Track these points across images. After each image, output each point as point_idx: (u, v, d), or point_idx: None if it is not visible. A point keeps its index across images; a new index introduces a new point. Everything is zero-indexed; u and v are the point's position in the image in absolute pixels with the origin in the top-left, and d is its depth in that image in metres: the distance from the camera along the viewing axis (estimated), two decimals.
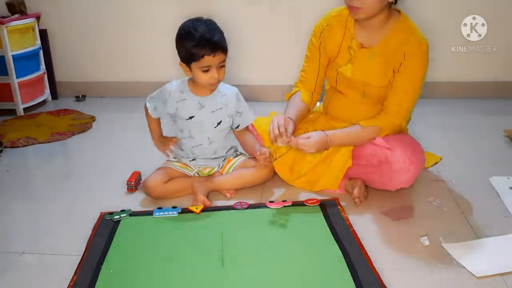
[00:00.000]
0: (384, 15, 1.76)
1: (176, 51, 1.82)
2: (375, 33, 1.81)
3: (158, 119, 1.99)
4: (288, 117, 1.84)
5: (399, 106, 1.80)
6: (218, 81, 1.81)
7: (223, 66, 1.78)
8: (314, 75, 1.98)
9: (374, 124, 1.81)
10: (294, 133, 1.82)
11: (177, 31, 1.79)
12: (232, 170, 1.95)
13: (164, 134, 2.04)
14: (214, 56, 1.72)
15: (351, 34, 1.85)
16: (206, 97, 1.87)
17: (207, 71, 1.75)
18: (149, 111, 1.95)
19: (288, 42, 3.11)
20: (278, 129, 1.74)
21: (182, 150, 1.98)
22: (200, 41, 1.70)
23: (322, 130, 1.96)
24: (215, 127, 1.90)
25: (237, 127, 1.97)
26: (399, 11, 1.81)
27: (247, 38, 3.23)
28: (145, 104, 1.96)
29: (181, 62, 1.80)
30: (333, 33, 1.89)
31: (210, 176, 1.95)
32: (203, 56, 1.71)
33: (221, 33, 1.77)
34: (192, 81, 1.87)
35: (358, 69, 1.84)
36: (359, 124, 1.83)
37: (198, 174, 1.97)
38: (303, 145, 1.75)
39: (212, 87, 1.85)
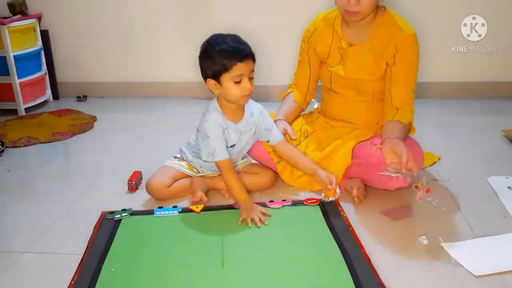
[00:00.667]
0: (373, 14, 1.81)
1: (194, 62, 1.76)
2: (363, 31, 1.84)
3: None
4: (280, 120, 2.00)
5: (406, 96, 1.83)
6: (251, 92, 1.73)
7: (252, 78, 1.72)
8: (306, 78, 2.05)
9: (407, 120, 1.82)
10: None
11: (201, 48, 1.73)
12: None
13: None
14: (245, 64, 1.67)
15: (339, 35, 1.88)
16: (240, 123, 1.82)
17: (239, 82, 1.68)
18: (225, 159, 1.76)
19: (287, 42, 3.11)
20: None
21: (197, 157, 1.93)
22: (231, 50, 1.66)
23: (323, 130, 1.98)
24: (245, 144, 1.89)
25: (268, 141, 1.92)
26: (383, 7, 1.83)
27: (247, 38, 3.24)
28: (215, 160, 1.76)
29: (209, 79, 1.71)
30: (322, 37, 1.94)
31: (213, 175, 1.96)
32: (235, 64, 1.65)
33: (247, 43, 1.74)
34: (222, 106, 1.78)
35: (350, 67, 1.87)
36: (398, 121, 1.80)
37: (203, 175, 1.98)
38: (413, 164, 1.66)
39: (244, 101, 1.76)
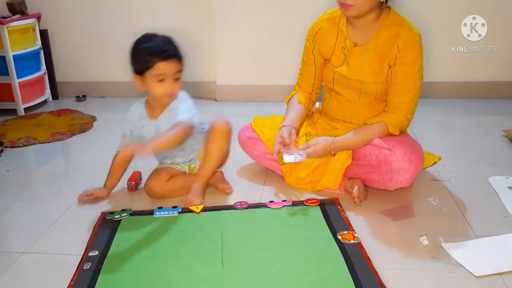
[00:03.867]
0: (375, 14, 1.79)
1: None
2: (368, 31, 1.82)
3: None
4: (289, 125, 1.91)
5: (399, 98, 1.80)
6: (173, 95, 1.77)
7: (179, 78, 1.76)
8: (311, 77, 2.02)
9: (379, 120, 1.82)
10: (297, 134, 1.92)
11: (132, 44, 1.78)
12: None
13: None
14: (168, 64, 1.71)
15: (344, 34, 1.87)
16: (160, 118, 1.82)
17: (161, 80, 1.72)
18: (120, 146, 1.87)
19: (287, 42, 3.12)
20: (283, 142, 1.83)
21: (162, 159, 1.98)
22: (154, 48, 1.71)
23: (324, 131, 1.98)
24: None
25: None
26: (389, 7, 1.82)
27: (247, 37, 3.24)
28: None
29: (135, 75, 1.77)
30: (326, 36, 1.91)
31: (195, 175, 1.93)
32: (156, 63, 1.70)
33: (177, 45, 1.77)
34: (149, 102, 1.85)
35: (353, 67, 1.85)
36: (365, 123, 1.85)
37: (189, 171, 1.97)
38: (309, 154, 1.80)
39: (168, 100, 1.79)
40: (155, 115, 1.83)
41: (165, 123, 1.79)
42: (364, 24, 1.81)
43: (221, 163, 1.95)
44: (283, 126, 1.92)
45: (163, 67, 1.71)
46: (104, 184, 1.91)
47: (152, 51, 1.71)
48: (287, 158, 1.77)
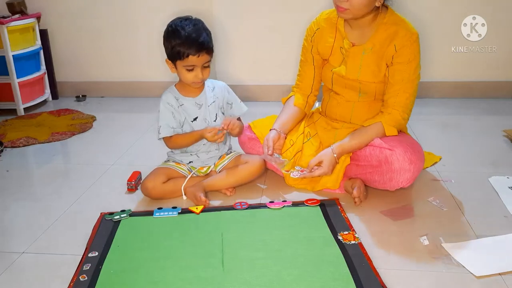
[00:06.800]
0: (372, 15, 1.79)
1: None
2: (365, 30, 1.82)
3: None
4: (278, 130, 1.92)
5: (396, 98, 1.81)
6: (202, 80, 1.85)
7: (208, 66, 1.82)
8: (310, 78, 2.01)
9: (376, 121, 1.82)
10: (289, 134, 1.97)
11: (165, 28, 1.82)
12: (222, 166, 1.97)
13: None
14: (198, 57, 1.76)
15: (342, 34, 1.87)
16: (199, 96, 1.91)
17: (191, 70, 1.79)
18: (168, 135, 1.88)
19: (286, 42, 3.11)
20: (271, 148, 1.87)
21: (183, 153, 1.98)
22: (186, 41, 1.74)
23: (323, 131, 1.97)
24: (214, 121, 1.93)
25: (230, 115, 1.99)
26: (386, 7, 1.81)
27: (245, 37, 3.24)
28: (160, 138, 1.89)
29: (167, 59, 1.84)
30: (324, 36, 1.91)
31: (205, 177, 1.96)
32: (187, 56, 1.75)
33: (208, 33, 1.82)
34: (180, 84, 1.91)
35: (351, 67, 1.85)
36: (362, 125, 1.85)
37: (196, 174, 1.97)
38: (320, 175, 1.81)
39: (196, 86, 1.87)
40: (194, 94, 1.90)
41: (205, 99, 1.91)
42: (362, 24, 1.81)
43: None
44: (272, 129, 1.94)
45: (194, 60, 1.77)
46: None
47: (184, 44, 1.74)
48: (294, 175, 1.85)
